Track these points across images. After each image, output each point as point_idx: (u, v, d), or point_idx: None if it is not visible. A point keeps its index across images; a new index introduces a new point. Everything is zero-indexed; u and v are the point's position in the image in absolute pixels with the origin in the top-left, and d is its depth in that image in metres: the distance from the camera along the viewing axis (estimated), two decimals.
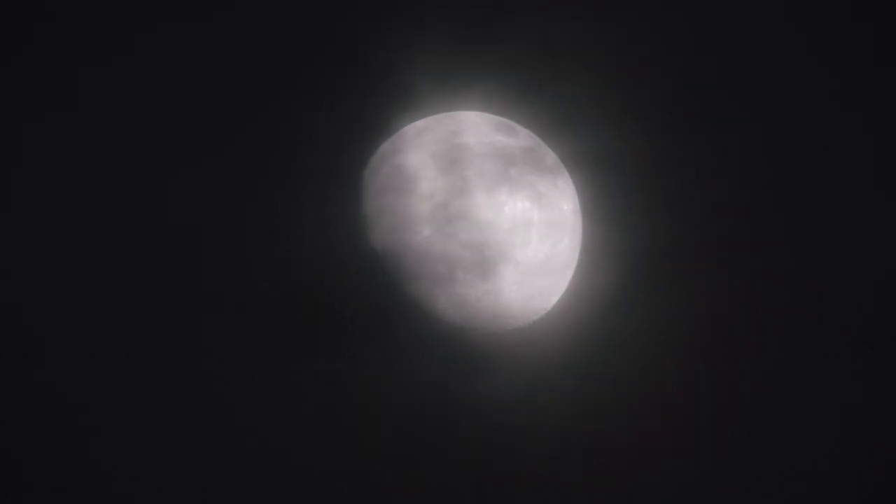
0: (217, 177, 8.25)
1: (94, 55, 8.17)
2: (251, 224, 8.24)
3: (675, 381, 8.24)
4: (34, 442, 7.68)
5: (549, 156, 7.93)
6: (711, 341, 8.30)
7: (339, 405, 8.14)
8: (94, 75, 8.20)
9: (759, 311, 8.27)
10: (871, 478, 7.94)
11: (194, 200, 8.20)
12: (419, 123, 7.91)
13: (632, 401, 8.31)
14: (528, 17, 8.41)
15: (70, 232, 8.07)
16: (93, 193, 8.08)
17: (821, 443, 8.11)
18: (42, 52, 8.03)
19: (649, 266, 8.23)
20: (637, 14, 8.21)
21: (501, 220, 7.41)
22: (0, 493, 7.21)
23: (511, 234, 7.46)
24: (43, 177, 8.06)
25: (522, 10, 8.35)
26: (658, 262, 8.24)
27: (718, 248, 8.33)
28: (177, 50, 8.18)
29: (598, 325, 8.32)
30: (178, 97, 8.30)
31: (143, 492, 7.78)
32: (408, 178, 7.56)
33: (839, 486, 7.94)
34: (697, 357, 8.34)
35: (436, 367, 7.99)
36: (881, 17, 7.97)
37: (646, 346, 8.38)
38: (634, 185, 8.21)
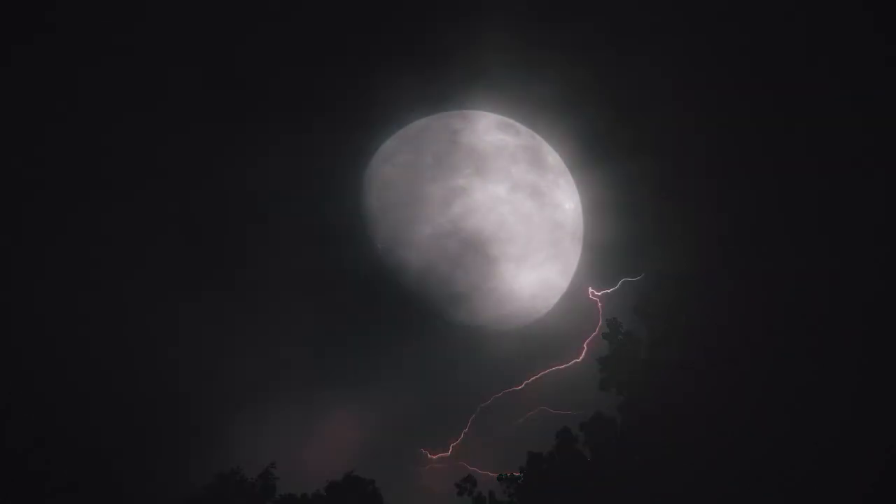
0: (216, 178, 8.22)
1: (92, 54, 8.14)
2: (251, 223, 8.22)
3: (675, 380, 8.25)
4: (35, 442, 7.64)
5: (552, 155, 7.94)
6: (711, 342, 8.30)
7: (343, 405, 8.12)
8: (91, 73, 8.17)
9: (759, 311, 8.27)
10: (870, 478, 7.94)
11: (194, 198, 8.18)
12: (421, 122, 7.92)
13: (632, 400, 8.31)
14: (527, 18, 8.41)
15: (69, 231, 8.04)
16: (94, 195, 8.07)
17: (821, 443, 8.10)
18: (43, 50, 8.00)
19: (650, 266, 8.24)
20: (643, 16, 8.22)
21: (503, 219, 7.41)
22: (0, 492, 7.17)
23: (513, 233, 7.47)
24: (43, 176, 8.03)
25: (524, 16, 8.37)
26: (659, 263, 8.25)
27: (719, 249, 8.34)
28: (177, 36, 8.14)
29: (598, 325, 8.32)
30: (177, 92, 8.27)
31: (143, 491, 7.76)
32: (409, 178, 7.56)
33: (839, 486, 7.93)
34: (697, 357, 8.34)
35: (437, 364, 7.99)
36: (884, 19, 8.01)
37: (645, 346, 8.37)
38: (636, 185, 8.22)
